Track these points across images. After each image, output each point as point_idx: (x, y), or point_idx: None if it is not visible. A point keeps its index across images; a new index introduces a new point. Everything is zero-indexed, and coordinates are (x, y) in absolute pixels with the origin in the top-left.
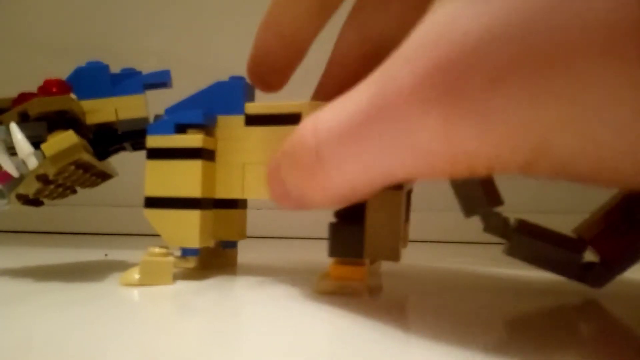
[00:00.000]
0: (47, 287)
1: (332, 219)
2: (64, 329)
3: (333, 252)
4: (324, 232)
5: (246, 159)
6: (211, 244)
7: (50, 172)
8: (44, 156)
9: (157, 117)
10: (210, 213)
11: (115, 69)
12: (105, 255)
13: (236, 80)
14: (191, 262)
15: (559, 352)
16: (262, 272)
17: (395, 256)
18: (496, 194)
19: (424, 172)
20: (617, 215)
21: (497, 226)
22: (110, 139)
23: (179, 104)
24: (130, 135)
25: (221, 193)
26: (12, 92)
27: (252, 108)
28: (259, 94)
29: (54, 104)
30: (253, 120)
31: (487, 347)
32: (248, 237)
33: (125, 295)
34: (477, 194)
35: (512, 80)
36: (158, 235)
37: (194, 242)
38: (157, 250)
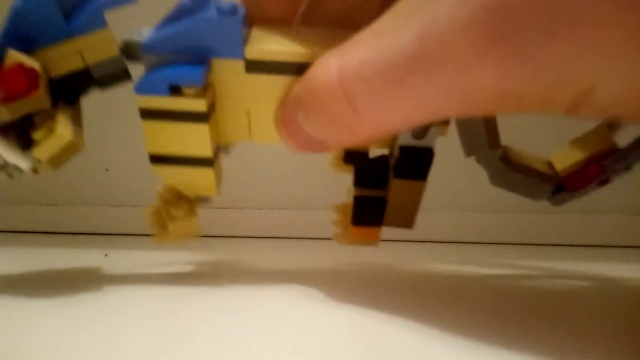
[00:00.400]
0: (47, 287)
1: (355, 190)
2: (64, 329)
3: (356, 221)
4: (324, 232)
5: (250, 106)
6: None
7: (49, 170)
8: (38, 160)
9: (128, 44)
10: (219, 156)
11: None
12: (105, 255)
13: (232, 17)
14: (210, 201)
15: (559, 352)
16: (263, 272)
17: (410, 224)
18: (497, 135)
19: (473, 111)
20: (597, 166)
21: (489, 161)
22: (77, 80)
23: (159, 37)
24: (104, 80)
25: (226, 137)
26: None
27: (253, 53)
28: None
29: (29, 106)
30: (255, 66)
31: (488, 347)
32: (249, 237)
33: (125, 295)
34: (480, 135)
35: (568, 35)
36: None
37: (212, 192)
38: (179, 212)
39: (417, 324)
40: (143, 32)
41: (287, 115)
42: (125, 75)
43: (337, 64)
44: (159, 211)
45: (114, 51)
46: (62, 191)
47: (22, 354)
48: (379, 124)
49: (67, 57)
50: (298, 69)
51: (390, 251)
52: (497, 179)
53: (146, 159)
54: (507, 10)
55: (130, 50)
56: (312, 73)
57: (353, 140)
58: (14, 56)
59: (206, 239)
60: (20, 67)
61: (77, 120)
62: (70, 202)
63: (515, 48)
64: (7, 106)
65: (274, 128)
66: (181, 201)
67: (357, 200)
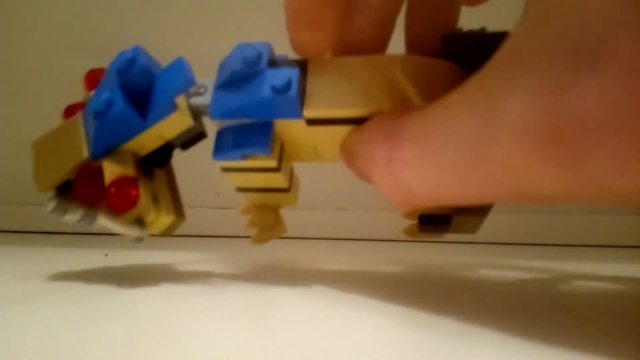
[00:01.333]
0: (46, 287)
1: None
2: (64, 329)
3: (422, 230)
4: (327, 232)
5: (316, 143)
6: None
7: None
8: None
9: (196, 110)
10: (293, 175)
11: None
12: (106, 255)
13: (287, 95)
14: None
15: (559, 352)
16: (263, 272)
17: (474, 231)
18: None
19: (523, 202)
20: None
21: None
22: (162, 150)
23: (224, 108)
24: (185, 144)
25: (296, 160)
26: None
27: (311, 113)
28: None
29: (137, 214)
30: (315, 122)
31: (488, 347)
32: (246, 237)
33: (126, 296)
34: None
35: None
36: (158, 235)
37: (293, 204)
38: (268, 221)
39: (417, 323)
40: (205, 85)
41: (348, 160)
42: (202, 136)
43: (388, 155)
44: (249, 210)
45: (188, 124)
46: None
47: (22, 354)
48: (432, 201)
49: (149, 141)
50: (357, 122)
51: (390, 251)
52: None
53: None
54: (581, 130)
55: (198, 112)
56: (362, 146)
57: (407, 207)
58: (112, 169)
59: (206, 239)
60: (123, 184)
61: (172, 182)
62: None
63: (581, 167)
64: (120, 218)
65: (338, 152)
66: (267, 211)
67: (422, 218)
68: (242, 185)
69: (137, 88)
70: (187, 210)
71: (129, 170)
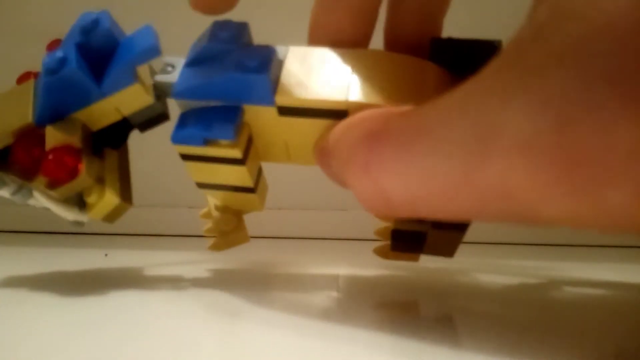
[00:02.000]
0: (46, 288)
1: (395, 223)
2: (64, 329)
3: (395, 249)
4: (327, 232)
5: (287, 138)
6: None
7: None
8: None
9: (159, 86)
10: (261, 177)
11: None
12: (105, 255)
13: (259, 76)
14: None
15: (559, 352)
16: (264, 272)
17: (451, 255)
18: None
19: (518, 224)
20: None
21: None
22: (118, 128)
23: (189, 85)
24: (144, 125)
25: (266, 159)
26: (9, 81)
27: (284, 100)
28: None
29: (75, 187)
30: (287, 111)
31: (487, 347)
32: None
33: (125, 295)
34: None
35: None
36: (157, 235)
37: (258, 209)
38: (228, 227)
39: (416, 322)
40: (173, 63)
41: (321, 158)
42: (163, 117)
43: (365, 159)
44: (209, 215)
45: (148, 100)
46: None
47: (22, 354)
48: (412, 213)
49: (104, 114)
50: (332, 115)
51: None
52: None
53: (146, 160)
54: (602, 153)
55: (162, 91)
56: (341, 143)
57: (381, 215)
58: (55, 135)
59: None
60: (63, 152)
61: (124, 167)
62: None
63: (598, 196)
64: (58, 190)
65: (312, 156)
66: (229, 215)
67: (395, 233)
68: (203, 179)
69: (97, 52)
70: (187, 211)
71: (74, 140)
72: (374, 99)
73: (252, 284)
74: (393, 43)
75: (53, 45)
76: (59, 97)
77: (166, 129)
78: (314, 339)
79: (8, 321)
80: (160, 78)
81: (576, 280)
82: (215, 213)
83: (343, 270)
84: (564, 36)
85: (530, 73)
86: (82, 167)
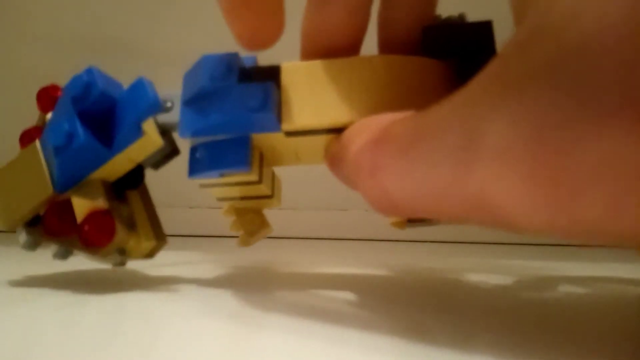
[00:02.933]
0: (46, 288)
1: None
2: (64, 329)
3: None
4: (327, 232)
5: (297, 149)
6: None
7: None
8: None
9: (165, 129)
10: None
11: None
12: None
13: (264, 114)
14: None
15: (559, 351)
16: (264, 272)
17: None
18: None
19: (498, 229)
20: None
21: None
22: (134, 172)
23: (196, 127)
24: (157, 164)
25: (277, 164)
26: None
27: (290, 126)
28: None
29: (111, 249)
30: (293, 134)
31: (487, 347)
32: None
33: (125, 295)
34: None
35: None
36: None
37: (277, 205)
38: (253, 227)
39: (416, 323)
40: (171, 100)
41: (332, 165)
42: (174, 153)
43: (371, 162)
44: (233, 212)
45: (158, 144)
46: None
47: (22, 354)
48: (412, 214)
49: (119, 167)
50: (337, 131)
51: (390, 251)
52: None
53: None
54: (576, 169)
55: (168, 130)
56: (347, 150)
57: (387, 214)
58: (82, 204)
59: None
60: (96, 219)
61: (148, 204)
62: None
63: (572, 209)
64: (99, 254)
65: (322, 157)
66: (250, 214)
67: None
68: (223, 196)
69: (97, 115)
70: (187, 211)
71: (101, 203)
72: (373, 110)
73: (253, 284)
74: (386, 38)
75: (45, 93)
76: (74, 167)
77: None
78: (314, 339)
79: (8, 321)
80: (163, 119)
81: (576, 280)
82: (233, 215)
83: (343, 270)
84: (541, 54)
85: (511, 87)
86: (116, 225)
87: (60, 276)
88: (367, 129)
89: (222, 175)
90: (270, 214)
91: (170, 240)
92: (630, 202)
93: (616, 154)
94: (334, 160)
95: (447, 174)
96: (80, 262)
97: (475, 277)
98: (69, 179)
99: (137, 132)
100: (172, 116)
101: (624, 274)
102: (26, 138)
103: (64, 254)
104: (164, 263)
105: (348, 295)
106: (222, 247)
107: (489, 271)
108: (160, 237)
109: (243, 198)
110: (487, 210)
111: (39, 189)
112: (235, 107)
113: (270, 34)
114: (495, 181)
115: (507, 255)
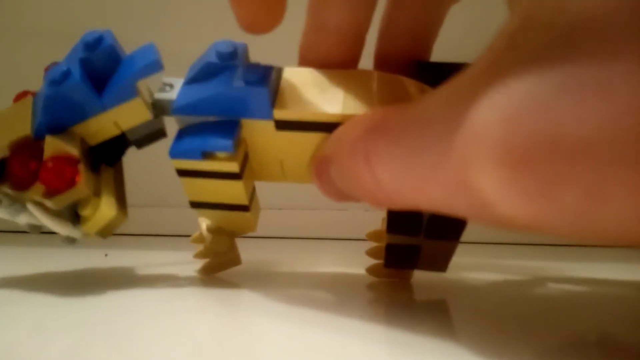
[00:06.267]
0: (46, 287)
1: (387, 237)
2: (64, 329)
3: (389, 265)
4: (327, 232)
5: (283, 157)
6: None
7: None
8: (87, 233)
9: (158, 103)
10: (255, 197)
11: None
12: (105, 255)
13: (259, 89)
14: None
15: (559, 351)
16: (264, 272)
17: (443, 269)
18: None
19: (479, 221)
20: None
21: None
22: (116, 144)
23: (189, 102)
24: (141, 141)
25: (260, 178)
26: (9, 82)
27: (282, 114)
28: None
29: (71, 197)
30: (284, 125)
31: (487, 347)
32: (246, 237)
33: (125, 295)
34: None
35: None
36: (157, 235)
37: (251, 230)
38: (221, 248)
39: (416, 323)
40: (172, 83)
41: (319, 168)
42: (160, 134)
43: (364, 150)
44: (201, 239)
45: (147, 116)
46: None
47: (22, 354)
48: (404, 205)
49: (103, 128)
50: (327, 127)
51: None
52: None
53: (147, 160)
54: (557, 155)
55: (161, 108)
56: (342, 142)
57: (379, 205)
58: (53, 143)
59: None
60: (62, 162)
61: (119, 182)
62: None
63: (551, 199)
64: (53, 200)
65: (308, 173)
66: (222, 236)
67: (389, 248)
68: (198, 197)
69: (100, 68)
70: (187, 211)
71: (73, 151)
72: (367, 110)
73: (252, 284)
74: (382, 65)
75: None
76: (60, 109)
77: (167, 128)
78: (314, 340)
79: (8, 321)
80: (160, 96)
81: (576, 280)
82: (207, 235)
83: (343, 270)
84: (531, 44)
85: (501, 79)
86: (80, 177)
87: (57, 275)
88: (362, 120)
89: (203, 156)
90: (270, 213)
91: (170, 240)
92: (613, 185)
93: (598, 135)
94: (323, 162)
95: (434, 158)
96: (81, 261)
97: (475, 277)
98: (51, 125)
99: (131, 92)
100: (170, 96)
101: (624, 274)
102: (21, 96)
103: (16, 208)
104: (164, 263)
105: (348, 295)
106: None
107: (489, 271)
108: (121, 211)
109: (217, 205)
110: (470, 196)
111: (16, 129)
112: (231, 81)
113: (270, 19)
114: (474, 167)
115: (507, 255)
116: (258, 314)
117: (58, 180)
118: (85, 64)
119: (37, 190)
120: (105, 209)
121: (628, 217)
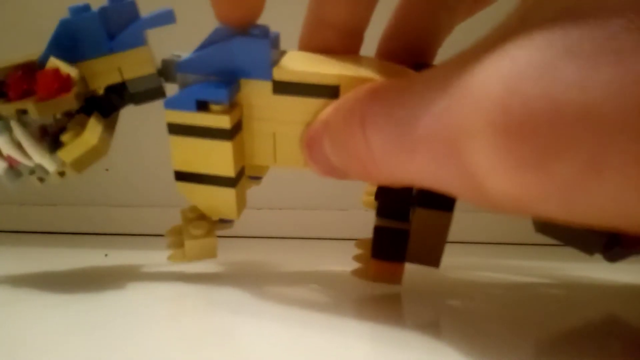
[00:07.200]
0: (47, 287)
1: (376, 220)
2: (64, 329)
3: (376, 254)
4: (327, 232)
5: (276, 129)
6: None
7: (72, 173)
8: (62, 161)
9: (166, 63)
10: (244, 180)
11: None
12: (105, 255)
13: (261, 40)
14: (231, 225)
15: (559, 351)
16: (263, 272)
17: (436, 262)
18: None
19: (477, 199)
20: None
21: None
22: (115, 94)
23: (192, 58)
24: (140, 96)
25: (251, 160)
26: None
27: (281, 74)
28: None
29: (57, 107)
30: (282, 88)
31: (487, 347)
32: (250, 237)
33: (125, 295)
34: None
35: (570, 157)
36: (157, 235)
37: (232, 215)
38: (198, 231)
39: (416, 323)
40: (181, 55)
41: (313, 138)
42: (159, 93)
43: (360, 115)
44: (178, 231)
45: (151, 69)
46: (62, 191)
47: (22, 354)
48: (393, 177)
49: (106, 71)
50: (324, 92)
51: None
52: (540, 226)
53: (146, 160)
54: (555, 122)
55: (166, 69)
56: (339, 110)
57: (373, 180)
58: (54, 62)
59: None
60: (56, 71)
61: (109, 129)
62: (71, 202)
63: (545, 169)
64: (36, 105)
65: (299, 153)
66: (202, 221)
67: (378, 230)
68: (184, 165)
69: (117, 19)
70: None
71: (72, 72)
72: (365, 74)
73: (253, 285)
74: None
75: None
76: (69, 39)
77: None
78: (314, 340)
79: (8, 321)
80: (168, 58)
81: (576, 280)
82: (188, 214)
83: (343, 269)
84: (539, 17)
85: (505, 45)
86: (74, 89)
87: (57, 275)
88: (361, 89)
89: (197, 107)
90: (270, 213)
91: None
92: (613, 156)
93: (603, 103)
94: (317, 134)
95: (427, 125)
96: (80, 261)
97: (474, 277)
98: (57, 53)
99: (140, 39)
100: (176, 59)
101: (623, 274)
102: None
103: (2, 124)
104: (164, 263)
105: (348, 294)
106: (222, 247)
107: (489, 271)
108: (101, 145)
109: (202, 177)
110: (460, 166)
111: (24, 56)
112: (236, 37)
113: (249, 13)
114: (470, 130)
115: (507, 255)
116: (258, 314)
117: (54, 83)
118: (104, 11)
119: (26, 101)
120: (87, 135)
121: (624, 190)
